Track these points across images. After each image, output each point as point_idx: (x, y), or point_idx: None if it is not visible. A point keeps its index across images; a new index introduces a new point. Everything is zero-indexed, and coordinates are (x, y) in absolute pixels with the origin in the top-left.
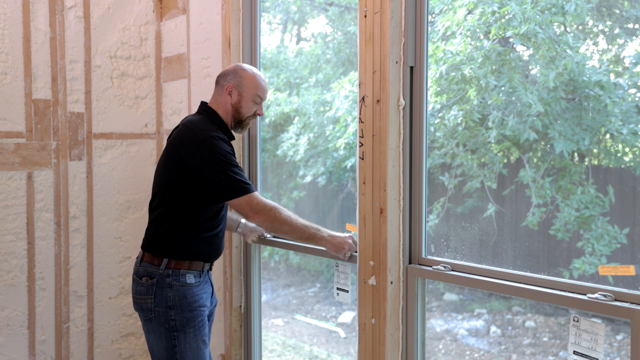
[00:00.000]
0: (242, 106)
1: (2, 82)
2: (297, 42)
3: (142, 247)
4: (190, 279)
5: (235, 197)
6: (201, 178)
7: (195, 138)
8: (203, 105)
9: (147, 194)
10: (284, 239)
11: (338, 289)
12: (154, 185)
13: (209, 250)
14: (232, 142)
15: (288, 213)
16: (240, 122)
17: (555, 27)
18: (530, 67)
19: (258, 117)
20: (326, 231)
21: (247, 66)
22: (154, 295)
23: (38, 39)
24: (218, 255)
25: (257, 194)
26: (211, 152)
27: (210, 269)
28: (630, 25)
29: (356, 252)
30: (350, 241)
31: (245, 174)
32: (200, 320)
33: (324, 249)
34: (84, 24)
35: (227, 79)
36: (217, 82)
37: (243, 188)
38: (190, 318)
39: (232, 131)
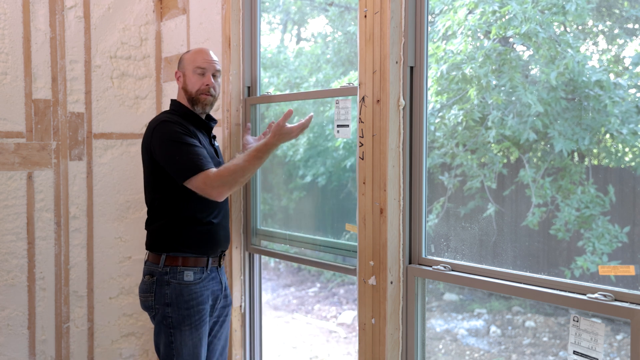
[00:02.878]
0: (187, 84)
1: (2, 82)
2: (297, 42)
3: (145, 245)
4: (189, 276)
5: (188, 177)
6: (165, 165)
7: (150, 129)
8: (170, 101)
9: None
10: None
11: (339, 125)
12: (144, 192)
13: (207, 241)
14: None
15: (235, 164)
16: (193, 100)
17: (555, 27)
18: (530, 67)
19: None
20: (264, 142)
21: (192, 49)
22: (154, 293)
23: (38, 39)
24: (219, 247)
25: (212, 170)
26: (162, 136)
27: (220, 264)
28: (630, 25)
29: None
30: (279, 126)
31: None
32: (198, 318)
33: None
34: (84, 24)
35: (176, 69)
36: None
37: (195, 166)
38: (186, 316)
39: (200, 113)
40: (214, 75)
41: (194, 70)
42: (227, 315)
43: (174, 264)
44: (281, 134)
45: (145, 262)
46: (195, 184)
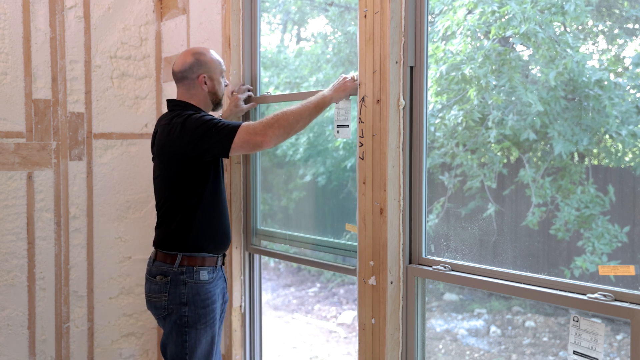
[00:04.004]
0: (217, 89)
1: (2, 82)
2: (297, 42)
3: (155, 245)
4: (204, 275)
5: (231, 139)
6: (202, 152)
7: (177, 127)
8: (172, 102)
9: (147, 194)
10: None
11: (338, 126)
12: (157, 192)
13: (221, 241)
14: None
15: (284, 111)
16: (219, 102)
17: (555, 27)
18: (530, 67)
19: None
20: (323, 91)
21: (200, 49)
22: (167, 293)
23: (38, 39)
24: (227, 243)
25: (251, 122)
26: (194, 125)
27: (223, 263)
28: (630, 25)
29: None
30: (348, 79)
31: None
32: (212, 317)
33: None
34: (84, 24)
35: (195, 71)
36: (185, 77)
37: (235, 125)
38: (202, 315)
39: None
40: None
41: (221, 74)
42: (225, 311)
43: (190, 263)
44: (345, 88)
45: (154, 262)
46: (238, 141)
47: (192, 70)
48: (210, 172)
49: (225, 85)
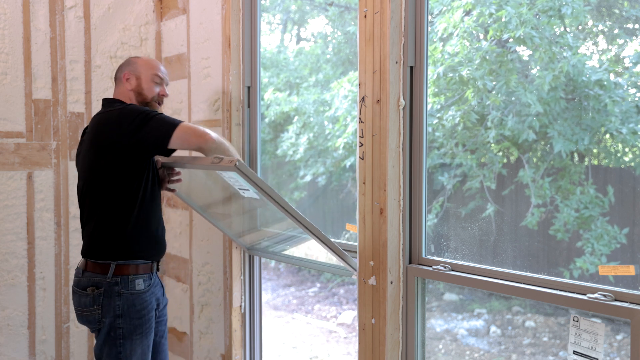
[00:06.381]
0: (143, 88)
1: (2, 82)
2: (297, 42)
3: (84, 254)
4: (140, 285)
5: (173, 130)
6: (139, 142)
7: (113, 115)
8: (106, 101)
9: None
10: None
11: (240, 189)
12: (85, 196)
13: (158, 244)
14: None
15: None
16: (146, 104)
17: (555, 27)
18: (530, 67)
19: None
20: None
21: (140, 56)
22: (101, 306)
23: (38, 39)
24: (164, 249)
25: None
26: (131, 113)
27: (158, 269)
28: (630, 25)
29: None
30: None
31: None
32: (148, 326)
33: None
34: (84, 24)
35: (122, 70)
36: (116, 77)
37: (174, 120)
38: (138, 325)
39: None
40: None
41: (152, 78)
42: (165, 315)
43: (125, 272)
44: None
45: (83, 273)
46: (179, 132)
47: (121, 70)
48: (145, 172)
49: (162, 95)
